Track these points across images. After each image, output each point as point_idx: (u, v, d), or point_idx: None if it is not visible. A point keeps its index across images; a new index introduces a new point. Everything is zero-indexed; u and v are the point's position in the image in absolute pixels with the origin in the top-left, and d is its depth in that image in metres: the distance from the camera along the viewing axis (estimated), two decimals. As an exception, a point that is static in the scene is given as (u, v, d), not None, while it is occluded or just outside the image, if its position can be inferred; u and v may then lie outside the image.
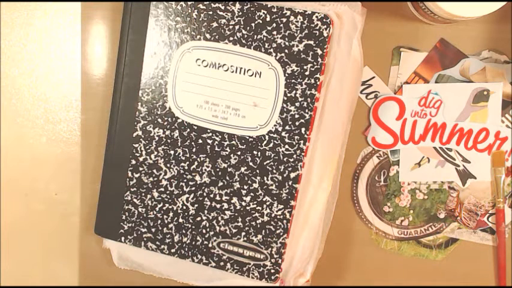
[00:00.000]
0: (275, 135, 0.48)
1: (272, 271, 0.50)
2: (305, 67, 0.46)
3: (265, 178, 0.49)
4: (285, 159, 0.48)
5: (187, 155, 0.49)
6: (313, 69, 0.46)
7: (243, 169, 0.49)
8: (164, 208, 0.51)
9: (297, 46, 0.46)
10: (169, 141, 0.49)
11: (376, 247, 0.53)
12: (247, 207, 0.49)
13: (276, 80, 0.47)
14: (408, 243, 0.53)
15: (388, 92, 0.51)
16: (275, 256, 0.50)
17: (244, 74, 0.47)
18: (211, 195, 0.50)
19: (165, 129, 0.49)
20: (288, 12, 0.46)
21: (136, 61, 0.49)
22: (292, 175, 0.48)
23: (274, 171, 0.48)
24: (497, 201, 0.51)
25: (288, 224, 0.49)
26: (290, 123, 0.47)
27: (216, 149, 0.49)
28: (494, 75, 0.50)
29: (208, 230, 0.50)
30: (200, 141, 0.49)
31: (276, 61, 0.47)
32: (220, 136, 0.49)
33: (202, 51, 0.48)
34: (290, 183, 0.48)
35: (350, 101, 0.48)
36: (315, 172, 0.49)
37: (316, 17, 0.46)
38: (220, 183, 0.49)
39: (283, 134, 0.48)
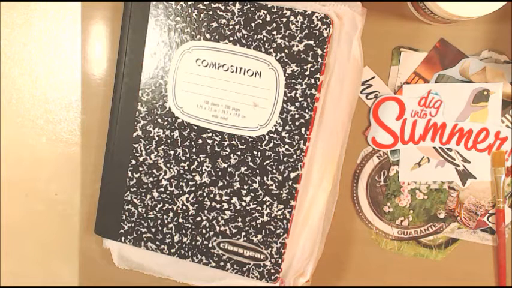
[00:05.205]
0: (275, 135, 0.48)
1: (272, 271, 0.50)
2: (305, 67, 0.46)
3: (265, 178, 0.49)
4: (285, 159, 0.48)
5: (187, 155, 0.49)
6: (313, 69, 0.46)
7: (243, 169, 0.49)
8: (164, 208, 0.50)
9: (297, 46, 0.46)
10: (169, 141, 0.49)
11: (376, 247, 0.53)
12: (247, 207, 0.49)
13: (276, 80, 0.47)
14: (408, 243, 0.53)
15: (388, 92, 0.51)
16: (275, 256, 0.50)
17: (244, 74, 0.47)
18: (211, 195, 0.50)
19: (165, 129, 0.49)
20: (288, 12, 0.46)
21: (136, 61, 0.49)
22: (292, 175, 0.48)
23: (274, 171, 0.48)
24: (497, 201, 0.51)
25: (288, 224, 0.49)
26: (290, 123, 0.47)
27: (216, 149, 0.49)
28: (494, 75, 0.50)
29: (208, 230, 0.50)
30: (200, 141, 0.49)
31: (276, 61, 0.47)
32: (220, 136, 0.49)
33: (202, 51, 0.48)
34: (290, 183, 0.48)
35: (350, 101, 0.48)
36: (315, 172, 0.49)
37: (316, 17, 0.46)
38: (220, 183, 0.49)
39: (283, 134, 0.48)
